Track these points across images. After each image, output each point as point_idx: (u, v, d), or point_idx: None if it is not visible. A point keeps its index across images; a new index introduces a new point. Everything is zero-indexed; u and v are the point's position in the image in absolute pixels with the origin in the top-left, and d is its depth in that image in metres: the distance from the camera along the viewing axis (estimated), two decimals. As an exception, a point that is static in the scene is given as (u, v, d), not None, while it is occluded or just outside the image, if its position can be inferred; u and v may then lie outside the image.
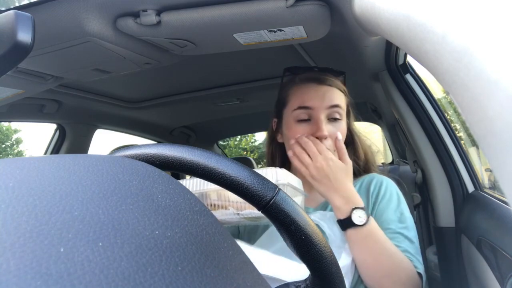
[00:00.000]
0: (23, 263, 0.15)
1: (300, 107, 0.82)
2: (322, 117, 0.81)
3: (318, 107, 0.81)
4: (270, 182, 0.35)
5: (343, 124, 0.84)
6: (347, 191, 0.72)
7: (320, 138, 0.79)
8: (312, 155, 0.74)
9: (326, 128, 0.80)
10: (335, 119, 0.83)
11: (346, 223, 0.71)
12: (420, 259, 0.76)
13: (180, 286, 0.19)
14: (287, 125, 0.86)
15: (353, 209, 0.71)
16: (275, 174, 0.60)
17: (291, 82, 0.89)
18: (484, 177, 1.15)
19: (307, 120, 0.82)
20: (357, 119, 0.97)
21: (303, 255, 0.35)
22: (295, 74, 0.91)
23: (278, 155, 0.94)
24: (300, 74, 0.89)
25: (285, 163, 0.94)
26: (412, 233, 0.79)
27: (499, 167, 0.20)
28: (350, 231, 0.71)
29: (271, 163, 0.96)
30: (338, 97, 0.84)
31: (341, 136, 0.82)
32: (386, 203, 0.81)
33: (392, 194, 0.83)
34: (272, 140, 0.95)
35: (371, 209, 0.83)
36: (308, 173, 0.74)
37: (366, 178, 0.89)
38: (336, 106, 0.82)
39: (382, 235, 0.71)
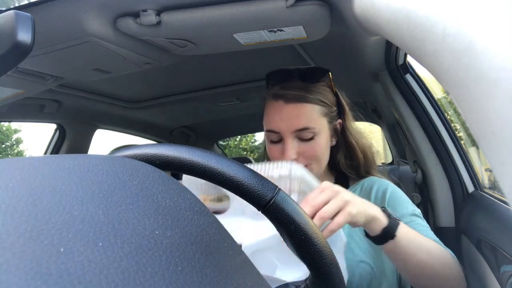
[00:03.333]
0: (23, 263, 0.15)
1: (269, 130, 0.81)
2: (289, 140, 0.78)
3: (284, 131, 0.79)
4: (270, 182, 0.35)
5: (317, 141, 0.80)
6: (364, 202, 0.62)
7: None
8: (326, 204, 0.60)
9: (298, 147, 0.79)
10: (307, 139, 0.79)
11: (392, 227, 0.62)
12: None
13: (180, 286, 0.19)
14: (266, 143, 0.85)
15: (382, 209, 0.64)
16: (289, 167, 0.59)
17: (267, 95, 0.86)
18: (484, 177, 1.15)
19: (279, 141, 0.81)
20: (359, 119, 0.95)
21: (303, 255, 0.35)
22: (271, 85, 0.87)
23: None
24: (275, 85, 0.85)
25: None
26: (426, 222, 0.78)
27: (499, 167, 0.20)
28: (399, 235, 0.62)
29: None
30: (306, 116, 0.79)
31: (317, 151, 0.79)
32: (394, 201, 0.80)
33: (398, 194, 0.82)
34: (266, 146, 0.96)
35: None
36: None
37: (365, 182, 0.87)
38: (303, 129, 0.78)
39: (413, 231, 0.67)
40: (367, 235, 0.64)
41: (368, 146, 0.91)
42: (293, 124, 0.78)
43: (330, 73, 0.88)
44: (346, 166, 0.88)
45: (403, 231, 0.62)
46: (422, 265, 0.64)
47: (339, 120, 0.87)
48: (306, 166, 0.80)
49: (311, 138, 0.79)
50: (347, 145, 0.88)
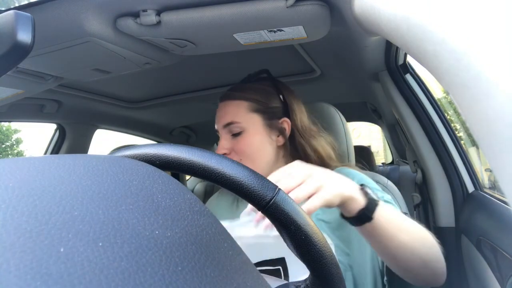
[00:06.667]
0: (23, 263, 0.15)
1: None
2: (222, 135, 0.85)
3: (217, 128, 0.87)
4: (270, 182, 0.35)
5: (247, 137, 0.82)
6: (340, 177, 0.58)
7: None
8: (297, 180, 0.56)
9: (228, 143, 0.84)
10: (235, 134, 0.84)
11: (370, 208, 0.57)
12: None
13: (180, 286, 0.19)
14: None
15: (361, 188, 0.58)
16: None
17: None
18: (484, 177, 1.15)
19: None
20: (358, 119, 0.95)
21: (303, 255, 0.35)
22: None
23: None
24: None
25: None
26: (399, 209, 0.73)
27: (499, 167, 0.20)
28: (378, 216, 0.56)
29: None
30: (231, 112, 0.84)
31: (246, 147, 0.81)
32: None
33: (365, 181, 0.77)
34: None
35: None
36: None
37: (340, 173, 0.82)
38: (228, 124, 0.83)
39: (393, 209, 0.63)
40: (342, 216, 0.60)
41: (321, 145, 0.86)
42: (221, 120, 0.85)
43: (269, 72, 0.93)
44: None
45: (382, 212, 0.57)
46: (403, 247, 0.59)
47: (284, 119, 0.86)
48: (240, 161, 0.81)
49: (240, 133, 0.83)
50: (295, 144, 0.85)
